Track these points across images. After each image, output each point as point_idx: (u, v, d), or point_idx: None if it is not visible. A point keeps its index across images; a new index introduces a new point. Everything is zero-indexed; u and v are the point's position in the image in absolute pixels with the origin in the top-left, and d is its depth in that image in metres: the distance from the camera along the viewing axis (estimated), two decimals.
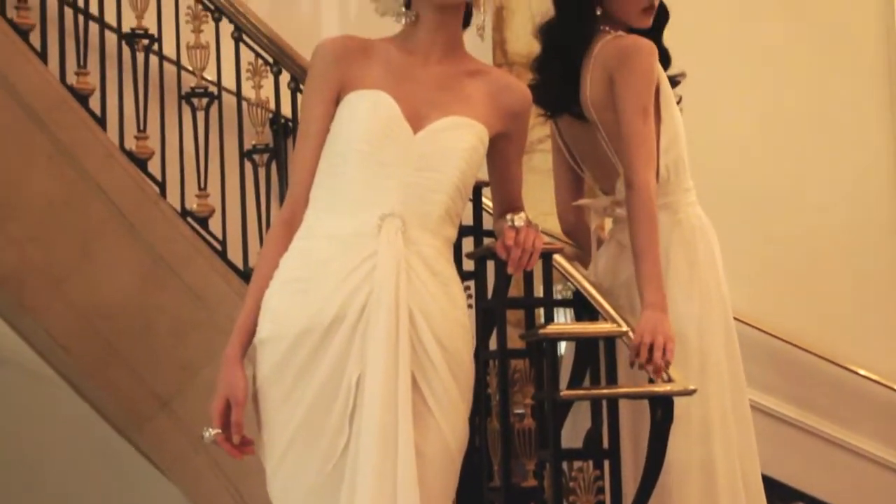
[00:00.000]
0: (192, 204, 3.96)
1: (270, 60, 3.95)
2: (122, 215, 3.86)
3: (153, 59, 4.04)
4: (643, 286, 2.73)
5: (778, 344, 4.99)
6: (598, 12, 2.92)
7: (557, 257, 2.99)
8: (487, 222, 3.16)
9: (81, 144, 3.88)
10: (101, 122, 3.94)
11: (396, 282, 2.17)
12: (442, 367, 2.20)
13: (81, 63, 3.97)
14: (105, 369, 3.91)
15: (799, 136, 5.17)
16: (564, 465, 2.77)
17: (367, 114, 2.26)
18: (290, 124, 3.99)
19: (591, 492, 2.74)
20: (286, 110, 3.97)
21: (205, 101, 3.99)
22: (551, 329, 2.83)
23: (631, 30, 2.93)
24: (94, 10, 4.04)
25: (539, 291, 2.97)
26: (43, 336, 3.90)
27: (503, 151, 2.42)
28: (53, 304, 3.84)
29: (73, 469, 5.50)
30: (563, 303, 3.10)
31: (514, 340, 3.03)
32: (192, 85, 4.01)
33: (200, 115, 3.99)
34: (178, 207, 3.95)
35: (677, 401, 2.66)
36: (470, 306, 2.83)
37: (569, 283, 3.02)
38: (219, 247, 3.94)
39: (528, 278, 2.99)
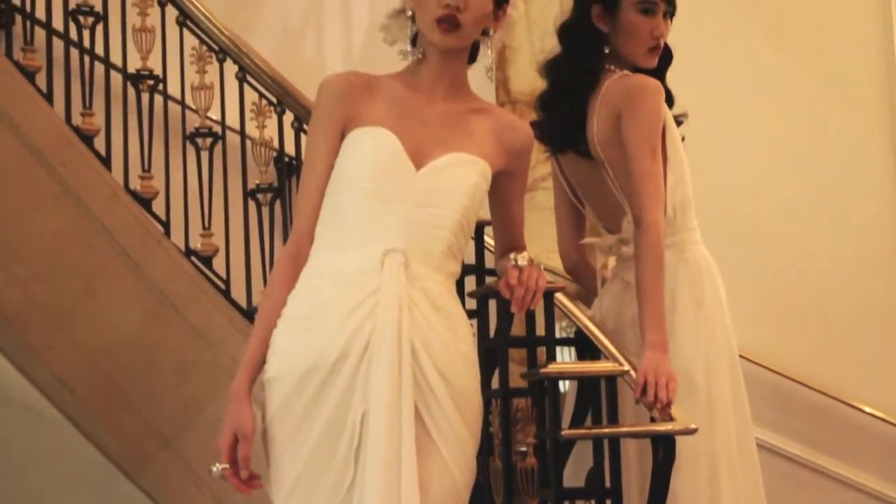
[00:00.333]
0: (196, 243, 3.98)
1: (274, 101, 3.98)
2: (127, 254, 3.87)
3: (158, 100, 4.07)
4: (646, 325, 2.74)
5: (783, 381, 4.98)
6: (605, 51, 2.95)
7: (559, 296, 3.00)
8: (490, 261, 3.17)
9: (86, 184, 3.89)
10: (106, 162, 3.96)
11: (399, 318, 2.18)
12: (446, 401, 2.21)
13: (87, 104, 4.00)
14: (108, 408, 3.91)
15: (801, 173, 5.18)
16: None
17: (369, 151, 2.28)
18: (294, 163, 4.02)
19: None
20: (290, 149, 4.00)
21: (209, 140, 4.02)
22: (553, 368, 2.84)
23: (636, 69, 2.96)
24: (99, 50, 4.07)
25: (541, 330, 2.98)
26: (47, 375, 3.90)
27: (505, 190, 2.43)
28: (57, 343, 3.84)
29: None
30: (566, 341, 3.10)
31: (517, 379, 3.04)
32: (197, 125, 4.04)
33: (204, 155, 4.01)
34: (182, 247, 3.96)
35: (684, 440, 2.67)
36: None
37: (572, 322, 3.03)
38: (222, 286, 3.95)
39: (531, 317, 3.00)
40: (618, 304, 2.99)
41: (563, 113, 2.98)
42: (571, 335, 3.03)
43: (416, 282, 2.23)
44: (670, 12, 3.00)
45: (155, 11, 4.05)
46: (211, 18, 4.02)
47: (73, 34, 4.04)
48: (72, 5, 4.03)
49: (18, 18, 4.08)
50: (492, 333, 3.09)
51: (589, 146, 2.94)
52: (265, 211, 3.95)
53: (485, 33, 2.35)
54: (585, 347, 2.94)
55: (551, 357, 2.94)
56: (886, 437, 5.00)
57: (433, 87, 2.35)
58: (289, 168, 4.04)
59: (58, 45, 4.03)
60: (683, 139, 3.00)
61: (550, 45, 3.13)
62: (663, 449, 2.66)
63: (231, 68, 4.02)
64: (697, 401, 2.84)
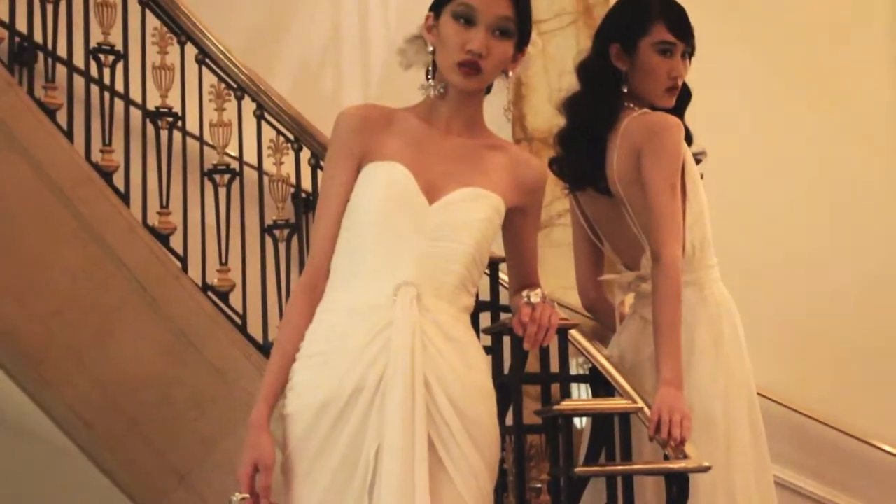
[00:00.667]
0: (213, 279, 4.00)
1: (291, 137, 4.01)
2: (144, 290, 3.89)
3: (177, 137, 4.11)
4: (661, 361, 2.74)
5: (801, 419, 4.96)
6: (624, 90, 2.96)
7: (574, 333, 3.00)
8: (504, 297, 3.18)
9: (105, 220, 3.92)
10: (125, 198, 3.99)
11: (412, 351, 2.19)
12: (460, 433, 2.21)
13: (106, 140, 4.04)
14: (125, 443, 3.91)
15: (819, 212, 5.19)
16: None
17: (382, 185, 2.29)
18: (311, 199, 4.04)
19: None
20: (307, 185, 4.03)
21: (227, 177, 4.05)
22: (566, 405, 2.84)
23: (654, 108, 2.97)
24: (119, 88, 4.11)
25: (556, 367, 2.98)
26: (64, 410, 3.91)
27: (519, 226, 2.44)
28: (75, 378, 3.86)
29: None
30: (580, 378, 3.10)
31: (532, 415, 3.04)
32: (215, 161, 4.07)
33: (222, 191, 4.05)
34: (199, 282, 3.99)
35: (703, 478, 2.65)
36: None
37: (587, 359, 3.03)
38: (239, 321, 3.97)
39: (545, 354, 3.00)
40: (636, 342, 2.99)
41: (582, 150, 2.99)
42: (587, 372, 3.03)
43: (429, 314, 2.24)
44: (689, 52, 3.01)
45: (174, 50, 4.10)
46: (229, 57, 4.07)
47: (94, 72, 4.09)
48: (93, 44, 4.08)
49: (40, 57, 4.13)
50: (506, 370, 3.09)
51: (608, 183, 2.95)
52: (282, 247, 3.98)
53: (503, 72, 2.37)
54: (600, 384, 2.94)
55: (565, 394, 2.94)
56: None
57: (449, 123, 2.37)
58: (306, 204, 4.06)
59: (78, 82, 4.08)
60: (702, 176, 3.01)
61: (567, 83, 3.15)
62: (677, 487, 2.65)
63: (249, 106, 4.06)
64: (716, 439, 2.83)
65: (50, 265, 3.88)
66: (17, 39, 4.12)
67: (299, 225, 4.00)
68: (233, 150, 4.13)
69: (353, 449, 2.18)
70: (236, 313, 3.98)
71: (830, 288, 5.10)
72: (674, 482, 2.66)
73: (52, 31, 4.07)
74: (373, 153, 2.33)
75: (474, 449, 2.23)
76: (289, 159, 4.02)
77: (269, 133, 4.05)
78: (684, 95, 3.07)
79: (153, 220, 4.01)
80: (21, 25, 4.10)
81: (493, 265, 3.28)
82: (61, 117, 4.02)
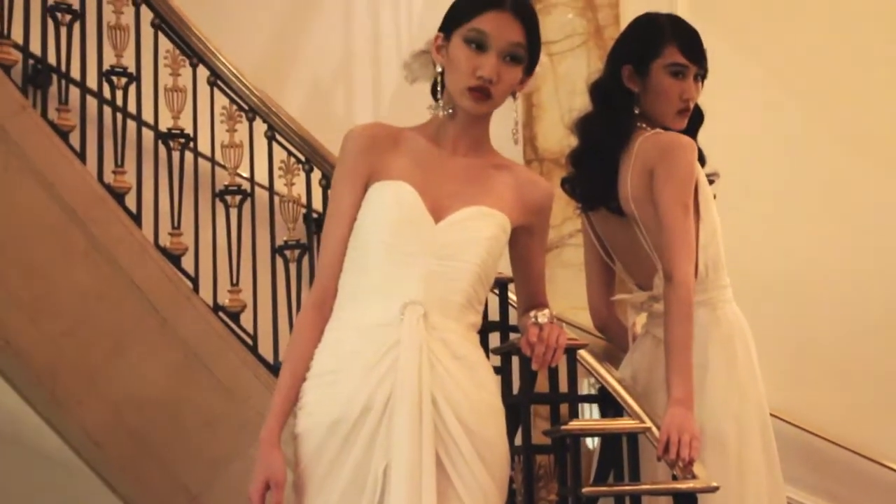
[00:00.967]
0: (224, 299, 4.02)
1: (302, 159, 4.03)
2: (155, 310, 3.91)
3: (188, 158, 4.14)
4: (672, 380, 2.73)
5: (815, 441, 4.93)
6: (636, 111, 2.97)
7: (583, 353, 3.00)
8: (514, 318, 3.18)
9: (117, 241, 3.95)
10: (137, 219, 4.02)
11: (419, 370, 2.20)
12: (468, 450, 2.22)
13: (119, 162, 4.06)
14: (136, 463, 3.92)
15: (832, 233, 5.16)
16: None
17: (389, 205, 2.31)
18: (322, 220, 4.05)
19: None
20: (318, 206, 4.05)
21: (238, 198, 4.07)
22: (574, 425, 2.84)
23: (666, 129, 2.98)
24: (132, 109, 4.14)
25: (566, 387, 2.98)
26: (76, 430, 3.93)
27: (526, 246, 2.45)
28: (86, 398, 3.87)
29: None
30: (589, 398, 3.10)
31: (541, 435, 3.03)
32: (226, 182, 4.10)
33: (233, 212, 4.07)
34: (211, 302, 4.00)
35: (715, 499, 2.65)
36: None
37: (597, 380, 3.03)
38: (250, 341, 3.98)
39: (554, 374, 3.00)
40: (649, 362, 2.98)
41: (594, 170, 2.99)
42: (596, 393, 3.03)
43: (436, 333, 2.24)
44: (701, 75, 3.01)
45: (186, 72, 4.13)
46: (241, 78, 4.10)
47: (107, 94, 4.12)
48: (106, 66, 4.12)
49: (54, 80, 4.17)
50: (515, 390, 3.09)
51: (620, 203, 2.95)
52: (293, 267, 3.99)
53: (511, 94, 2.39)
54: (609, 404, 2.94)
55: (574, 414, 2.93)
56: None
57: (456, 143, 2.39)
58: (317, 225, 4.07)
59: (91, 104, 4.11)
60: (715, 197, 3.01)
61: (578, 104, 3.16)
62: None
63: (260, 127, 4.09)
64: (728, 459, 2.83)
65: (62, 286, 3.90)
66: (30, 62, 4.15)
67: (310, 245, 4.02)
68: (244, 171, 4.15)
69: (362, 467, 2.19)
70: (247, 334, 3.99)
71: (844, 308, 5.08)
72: (682, 503, 2.65)
73: (65, 54, 4.10)
74: (380, 172, 2.34)
75: (483, 467, 2.23)
76: (300, 180, 4.04)
77: (280, 154, 4.08)
78: (696, 117, 3.07)
79: (165, 240, 4.04)
80: (35, 48, 4.14)
81: (503, 285, 3.28)
82: (74, 139, 4.05)
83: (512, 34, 2.32)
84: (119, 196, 4.03)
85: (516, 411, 3.02)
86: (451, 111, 2.36)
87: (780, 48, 5.30)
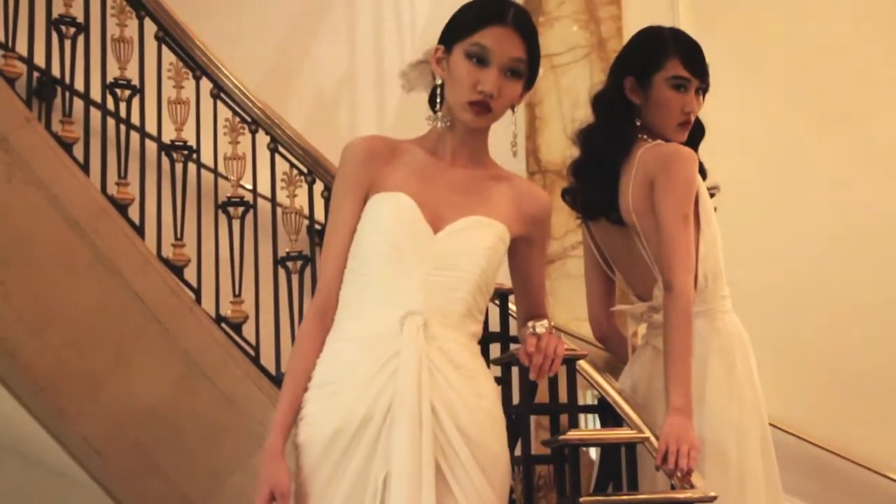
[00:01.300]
0: (227, 310, 4.03)
1: (305, 170, 4.05)
2: (158, 321, 3.92)
3: (191, 169, 4.15)
4: (671, 389, 2.74)
5: (815, 451, 4.93)
6: (637, 123, 2.99)
7: (582, 363, 3.00)
8: (514, 328, 3.18)
9: (120, 253, 3.96)
10: (140, 230, 4.03)
11: (419, 380, 2.21)
12: (468, 459, 2.22)
13: (122, 174, 4.08)
14: (139, 474, 3.93)
15: (833, 243, 5.17)
16: None
17: (388, 216, 2.32)
18: (324, 231, 4.06)
19: None
20: (320, 217, 4.06)
21: (240, 209, 4.09)
22: (572, 435, 2.84)
23: (667, 141, 2.99)
24: (135, 121, 4.16)
25: (565, 397, 2.99)
26: (78, 440, 3.93)
27: (525, 257, 2.46)
28: (88, 409, 3.88)
29: None
30: (588, 409, 3.10)
31: (541, 445, 3.04)
32: (229, 194, 4.11)
33: (236, 224, 4.08)
34: (213, 313, 4.01)
35: None
36: None
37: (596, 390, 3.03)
38: (252, 352, 3.99)
39: (554, 384, 3.00)
40: (648, 372, 2.99)
41: (595, 180, 3.01)
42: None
43: (436, 343, 2.26)
44: (703, 89, 3.02)
45: (190, 84, 4.15)
46: (244, 91, 4.12)
47: (111, 106, 4.14)
48: (110, 79, 4.14)
49: (58, 92, 4.19)
50: (516, 400, 3.10)
51: (620, 213, 2.96)
52: (295, 278, 4.00)
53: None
54: (609, 415, 2.94)
55: (573, 424, 2.94)
56: None
57: (455, 154, 2.40)
58: (319, 235, 4.09)
59: (95, 116, 4.13)
60: (716, 209, 3.02)
61: (581, 115, 3.18)
62: None
63: (263, 139, 4.10)
64: (728, 469, 2.83)
65: (65, 297, 3.92)
66: (35, 74, 4.18)
67: (312, 257, 4.03)
68: (247, 183, 4.17)
69: (362, 477, 2.20)
70: (249, 345, 4.00)
71: (843, 319, 5.08)
72: None
73: (69, 66, 4.12)
74: (379, 184, 2.36)
75: (483, 475, 2.24)
76: (302, 192, 4.06)
77: (282, 166, 4.09)
78: (698, 131, 3.09)
79: (167, 252, 4.05)
80: (39, 60, 4.16)
81: (503, 296, 3.29)
82: (78, 151, 4.06)
83: (513, 49, 2.33)
84: (122, 208, 4.05)
85: (517, 422, 3.02)
86: (449, 123, 2.38)
87: (781, 63, 5.31)
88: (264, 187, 4.16)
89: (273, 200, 4.11)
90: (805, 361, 5.04)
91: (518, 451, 3.01)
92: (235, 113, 4.13)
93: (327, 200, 3.98)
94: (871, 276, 5.13)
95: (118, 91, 4.13)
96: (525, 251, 2.45)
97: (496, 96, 2.31)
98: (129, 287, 3.92)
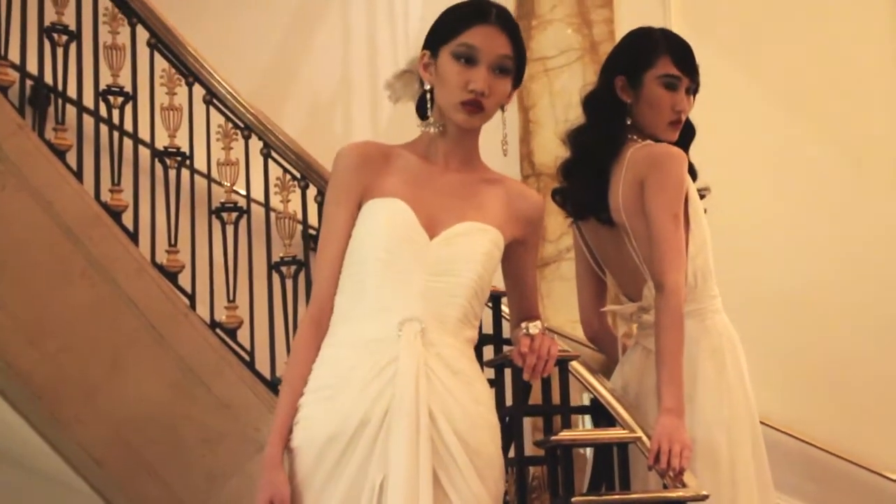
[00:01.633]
0: (221, 315, 4.03)
1: (298, 175, 4.06)
2: (153, 327, 3.93)
3: (185, 175, 4.16)
4: (663, 389, 2.74)
5: (807, 448, 4.93)
6: (628, 122, 2.99)
7: (575, 364, 3.01)
8: (507, 330, 3.19)
9: (114, 259, 3.97)
10: (134, 237, 4.04)
11: (416, 385, 2.21)
12: (465, 464, 2.23)
13: (115, 180, 4.09)
14: (135, 480, 3.93)
15: (825, 242, 5.18)
16: None
17: (384, 222, 2.33)
18: (318, 235, 4.07)
19: None
20: (313, 222, 4.06)
21: (234, 215, 4.10)
22: (565, 435, 2.85)
23: (657, 141, 2.99)
24: (128, 127, 4.17)
25: (558, 399, 2.99)
26: (74, 447, 3.94)
27: (518, 259, 2.47)
28: (84, 416, 3.88)
29: None
30: (581, 409, 3.11)
31: (534, 447, 3.05)
32: (223, 200, 4.12)
33: (230, 229, 4.09)
34: (208, 319, 4.02)
35: None
36: None
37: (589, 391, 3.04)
38: (247, 357, 3.99)
39: (547, 385, 3.01)
40: (639, 373, 2.99)
41: (585, 180, 3.01)
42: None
43: (433, 348, 2.26)
44: (693, 89, 3.03)
45: (182, 91, 4.16)
46: (236, 97, 4.13)
47: (104, 113, 4.15)
48: (102, 85, 4.15)
49: (51, 100, 4.20)
50: (509, 402, 3.10)
51: (610, 213, 2.97)
52: (289, 283, 4.01)
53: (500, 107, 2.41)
54: (602, 415, 2.95)
55: (566, 425, 2.95)
56: None
57: (447, 159, 2.41)
58: (313, 240, 4.09)
59: (88, 123, 4.14)
60: (706, 211, 3.03)
61: (574, 118, 3.17)
62: None
63: (256, 144, 4.11)
64: (720, 468, 2.83)
65: (60, 304, 3.92)
66: (28, 82, 4.18)
67: (307, 261, 4.04)
68: (240, 189, 4.18)
69: (358, 481, 2.20)
70: (244, 350, 4.01)
71: (834, 317, 5.09)
72: None
73: (62, 74, 4.14)
74: (373, 190, 2.36)
75: (479, 481, 2.24)
76: (295, 197, 4.07)
77: (275, 171, 4.10)
78: (688, 132, 3.09)
79: (161, 258, 4.06)
80: (32, 68, 4.17)
81: (496, 299, 3.30)
82: (71, 158, 4.07)
83: (500, 47, 2.35)
84: (116, 214, 4.05)
85: (510, 423, 3.03)
86: (441, 128, 2.38)
87: (772, 64, 5.32)
88: (258, 192, 4.16)
89: (267, 206, 4.12)
90: (803, 362, 5.04)
91: (511, 453, 3.01)
92: (228, 119, 4.14)
93: (321, 205, 3.97)
94: (867, 277, 5.13)
95: (111, 98, 4.13)
96: (519, 253, 2.46)
97: (487, 94, 2.32)
98: (123, 293, 3.93)
